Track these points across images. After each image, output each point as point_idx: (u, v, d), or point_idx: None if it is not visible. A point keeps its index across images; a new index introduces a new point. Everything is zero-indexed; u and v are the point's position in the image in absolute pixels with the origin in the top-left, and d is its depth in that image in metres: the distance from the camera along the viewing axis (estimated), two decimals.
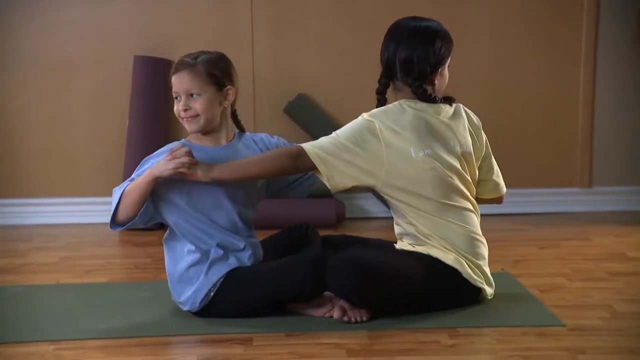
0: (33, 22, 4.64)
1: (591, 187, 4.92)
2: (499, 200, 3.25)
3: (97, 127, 4.73)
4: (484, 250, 3.08)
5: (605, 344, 2.71)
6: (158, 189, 2.93)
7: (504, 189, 3.23)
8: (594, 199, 4.93)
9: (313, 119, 4.66)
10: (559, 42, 4.81)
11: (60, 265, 3.83)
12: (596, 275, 3.52)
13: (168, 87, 3.04)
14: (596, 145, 4.90)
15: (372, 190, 3.16)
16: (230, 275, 2.96)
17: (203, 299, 2.95)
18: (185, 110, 2.95)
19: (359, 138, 2.94)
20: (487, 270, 3.07)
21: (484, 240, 3.08)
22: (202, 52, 3.00)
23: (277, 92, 4.74)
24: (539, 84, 4.83)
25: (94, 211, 4.70)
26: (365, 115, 3.00)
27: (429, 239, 2.98)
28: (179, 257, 3.01)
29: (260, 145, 3.10)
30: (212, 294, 2.95)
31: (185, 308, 3.01)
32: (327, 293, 2.99)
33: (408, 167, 2.94)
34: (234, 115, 3.10)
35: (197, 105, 2.94)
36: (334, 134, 2.99)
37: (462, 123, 3.06)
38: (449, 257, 2.96)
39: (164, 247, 3.06)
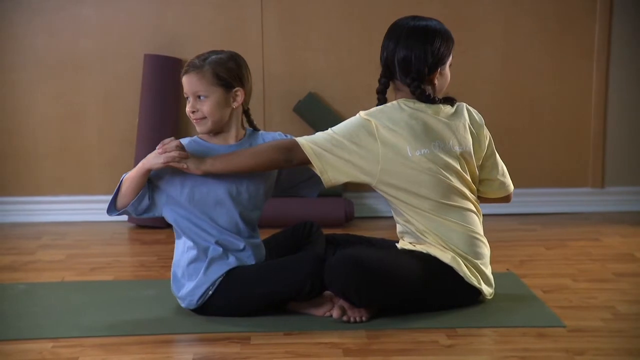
0: (43, 21, 4.66)
1: (603, 188, 4.88)
2: (506, 199, 3.22)
3: (107, 125, 4.75)
4: (485, 250, 3.06)
5: (605, 345, 2.69)
6: (158, 184, 2.96)
7: (511, 188, 3.20)
8: (606, 199, 4.88)
9: (323, 117, 4.65)
10: (571, 40, 4.77)
11: (66, 263, 3.84)
12: (602, 276, 3.49)
13: (178, 86, 3.04)
14: (609, 145, 4.86)
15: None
16: (230, 275, 2.96)
17: (201, 297, 2.95)
18: (194, 112, 2.97)
19: (355, 136, 2.94)
20: (487, 270, 3.05)
21: (485, 240, 3.06)
22: (213, 52, 3.00)
23: (287, 90, 4.74)
24: (550, 82, 4.80)
25: (104, 209, 4.63)
26: (362, 113, 2.99)
27: (426, 237, 2.97)
28: (181, 252, 3.03)
29: None
30: (210, 292, 2.95)
31: (183, 304, 3.01)
32: (327, 292, 2.99)
33: (404, 166, 2.93)
34: (246, 114, 3.10)
35: (205, 107, 2.95)
36: (329, 130, 3.00)
37: (463, 122, 3.04)
38: (446, 256, 2.95)
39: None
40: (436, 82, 3.03)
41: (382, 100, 3.07)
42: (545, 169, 4.86)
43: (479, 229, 3.05)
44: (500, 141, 4.69)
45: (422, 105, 3.00)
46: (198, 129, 3.01)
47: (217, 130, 3.01)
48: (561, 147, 4.85)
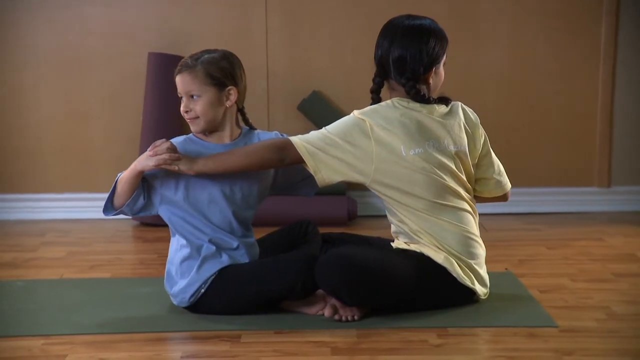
0: (48, 20, 4.69)
1: (610, 187, 4.85)
2: (503, 198, 3.19)
3: (112, 123, 4.76)
4: (480, 250, 3.04)
5: (595, 346, 2.67)
6: (153, 183, 2.96)
7: (508, 186, 3.17)
8: (612, 198, 4.85)
9: (327, 116, 4.63)
10: (578, 40, 4.74)
11: (66, 260, 3.86)
12: (601, 277, 3.46)
13: None
14: (615, 145, 4.82)
15: None
16: (222, 273, 2.96)
17: (193, 294, 2.96)
18: (187, 111, 2.98)
19: (349, 135, 2.93)
20: (482, 270, 3.03)
21: (480, 240, 3.05)
22: (206, 52, 3.00)
23: (291, 89, 4.74)
24: (556, 82, 4.77)
25: None
26: (356, 112, 2.99)
27: (419, 237, 2.96)
28: (174, 250, 3.03)
29: None
30: (202, 290, 2.95)
31: (176, 302, 3.02)
32: (320, 291, 2.98)
33: (398, 165, 2.92)
34: (241, 112, 3.10)
35: (197, 107, 2.95)
36: (323, 129, 2.99)
37: (458, 121, 3.03)
38: (439, 257, 2.93)
39: None
40: (431, 81, 3.02)
41: (376, 99, 3.06)
42: (551, 168, 4.83)
43: (474, 229, 3.03)
44: (506, 140, 4.70)
45: (417, 105, 2.98)
46: (192, 128, 3.02)
47: (211, 129, 3.01)
48: (567, 146, 4.82)
